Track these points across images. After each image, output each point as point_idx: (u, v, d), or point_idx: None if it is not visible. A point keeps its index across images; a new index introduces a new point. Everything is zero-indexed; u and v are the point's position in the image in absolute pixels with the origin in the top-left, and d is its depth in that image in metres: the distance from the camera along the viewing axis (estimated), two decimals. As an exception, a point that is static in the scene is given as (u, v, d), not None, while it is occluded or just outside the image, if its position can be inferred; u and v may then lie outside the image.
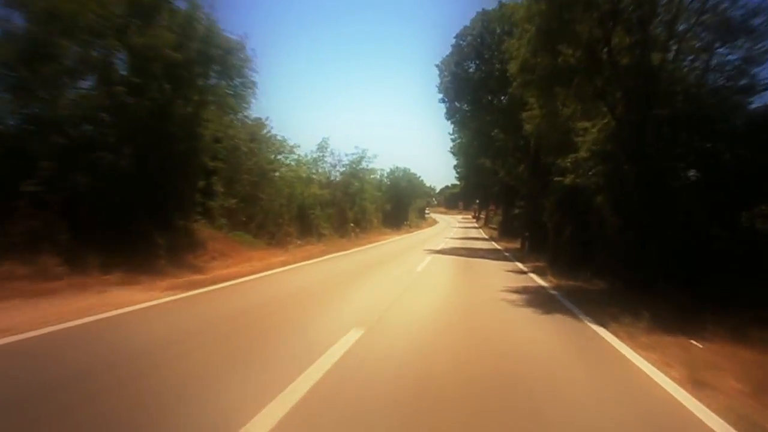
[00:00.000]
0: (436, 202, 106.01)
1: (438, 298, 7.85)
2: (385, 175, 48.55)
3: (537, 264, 14.63)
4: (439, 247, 20.98)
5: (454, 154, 35.63)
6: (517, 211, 37.33)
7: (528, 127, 15.41)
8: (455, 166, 53.04)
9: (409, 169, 49.59)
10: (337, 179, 29.65)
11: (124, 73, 10.02)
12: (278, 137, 22.37)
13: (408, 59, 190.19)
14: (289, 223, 22.20)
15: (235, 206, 17.46)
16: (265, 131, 21.85)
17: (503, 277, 11.34)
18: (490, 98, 20.63)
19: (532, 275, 11.87)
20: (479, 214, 76.79)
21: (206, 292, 7.40)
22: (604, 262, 11.62)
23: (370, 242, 22.81)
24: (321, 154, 25.92)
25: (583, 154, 11.32)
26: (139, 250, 9.09)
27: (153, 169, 10.16)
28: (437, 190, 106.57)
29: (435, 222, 67.73)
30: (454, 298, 7.98)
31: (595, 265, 12.12)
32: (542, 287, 9.91)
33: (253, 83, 11.51)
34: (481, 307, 7.31)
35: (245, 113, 12.98)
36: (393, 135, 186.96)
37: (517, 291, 9.02)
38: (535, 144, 21.07)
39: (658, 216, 8.98)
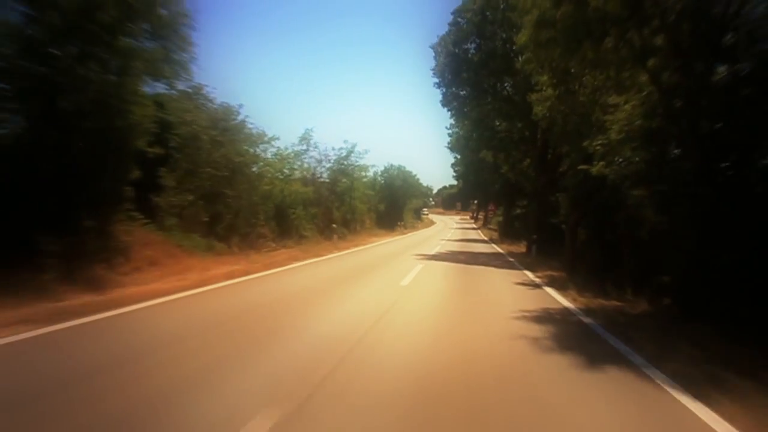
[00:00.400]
0: (433, 203, 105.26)
1: (423, 340, 5.19)
2: (379, 173, 46.17)
3: (551, 273, 12.13)
4: (433, 251, 18.47)
5: (451, 149, 33.10)
6: (518, 211, 34.89)
7: (538, 110, 12.95)
8: (453, 165, 50.63)
9: (405, 167, 47.06)
10: (323, 176, 27.14)
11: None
12: (253, 128, 19.78)
13: (408, 58, 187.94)
14: (265, 224, 19.74)
15: (193, 204, 14.94)
16: (237, 120, 19.27)
17: (514, 295, 8.83)
18: (492, 82, 18.13)
19: (549, 290, 9.37)
20: (477, 214, 74.49)
21: (69, 328, 4.85)
22: (641, 273, 9.13)
23: (356, 245, 20.27)
24: (304, 147, 23.33)
25: (614, 135, 8.81)
26: (14, 261, 6.55)
27: (48, 151, 7.64)
28: (435, 191, 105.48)
29: (432, 223, 65.26)
30: (448, 338, 5.34)
31: (627, 275, 9.65)
32: (568, 310, 7.39)
33: (190, 44, 8.95)
34: (489, 357, 4.65)
35: (183, 83, 10.26)
36: (391, 136, 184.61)
37: (536, 318, 6.49)
38: (544, 133, 18.59)
39: (732, 218, 6.48)
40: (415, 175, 49.36)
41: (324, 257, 14.12)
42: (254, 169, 21.50)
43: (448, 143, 32.15)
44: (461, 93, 18.31)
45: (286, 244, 18.68)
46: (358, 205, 31.45)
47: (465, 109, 19.35)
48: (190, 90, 17.38)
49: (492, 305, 7.65)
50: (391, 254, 16.62)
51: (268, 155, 23.06)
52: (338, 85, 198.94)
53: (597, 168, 9.33)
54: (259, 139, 22.00)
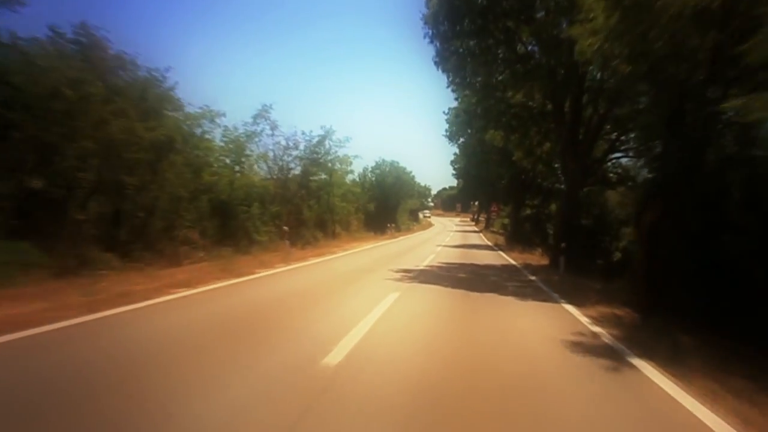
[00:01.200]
0: (432, 204, 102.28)
1: None
2: (369, 169, 41.22)
3: (610, 310, 7.15)
4: (424, 263, 13.47)
5: (450, 137, 27.97)
6: (528, 211, 29.90)
7: (585, 46, 8.06)
8: (452, 162, 45.77)
9: (398, 163, 42.03)
10: (295, 167, 22.12)
11: None
12: (179, 98, 14.72)
13: (406, 55, 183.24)
14: (194, 226, 14.77)
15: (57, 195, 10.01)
16: (160, 89, 14.27)
17: (589, 396, 3.77)
18: (503, 29, 13.15)
19: (648, 368, 4.32)
20: (478, 216, 69.53)
21: None
22: None
23: (320, 254, 15.25)
24: (258, 127, 18.24)
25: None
26: None
27: None
28: (434, 192, 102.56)
29: (430, 225, 60.27)
30: None
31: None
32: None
33: None
34: None
35: None
36: (389, 136, 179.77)
37: None
38: (575, 103, 13.61)
39: None
40: (410, 172, 44.35)
41: (246, 278, 9.09)
42: (196, 154, 16.66)
43: (446, 130, 27.18)
44: (461, 49, 13.30)
45: (221, 252, 13.73)
46: (338, 204, 26.45)
47: (466, 72, 14.36)
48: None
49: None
50: (360, 270, 11.60)
51: (217, 140, 18.27)
52: (338, 84, 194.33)
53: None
54: (203, 116, 17.24)
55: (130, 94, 12.91)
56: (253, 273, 9.76)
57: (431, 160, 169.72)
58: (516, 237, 26.12)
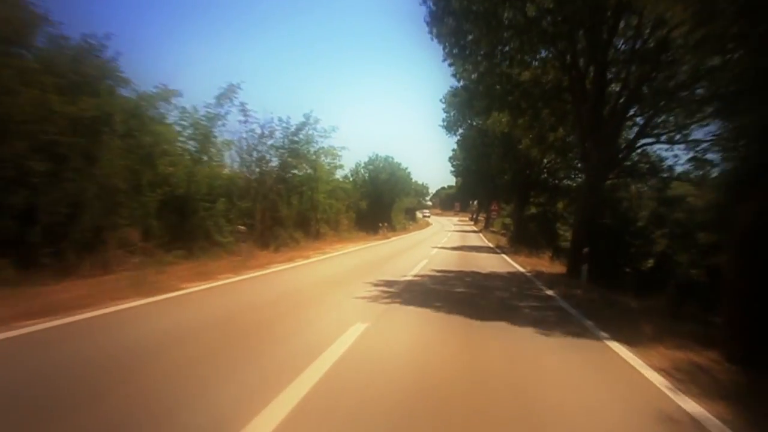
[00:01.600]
0: (431, 204, 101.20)
1: None
2: (362, 165, 38.66)
3: (698, 360, 4.59)
4: (412, 273, 10.92)
5: (447, 128, 25.34)
6: (533, 210, 27.36)
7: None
8: (450, 158, 43.33)
9: (392, 158, 39.43)
10: (272, 159, 19.53)
11: None
12: (121, 71, 12.16)
13: (405, 56, 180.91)
14: (137, 225, 12.25)
15: None
16: (97, 60, 11.73)
17: None
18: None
19: None
20: (477, 215, 67.12)
21: None
22: None
23: (291, 259, 12.70)
24: (223, 110, 15.57)
25: None
26: None
27: None
28: (433, 192, 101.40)
29: (427, 224, 57.73)
30: None
31: None
32: None
33: None
34: None
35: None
36: (387, 136, 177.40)
37: None
38: (600, 77, 11.09)
39: None
40: (406, 168, 41.73)
41: (157, 297, 6.53)
42: (146, 140, 14.09)
43: (443, 120, 24.62)
44: (459, 3, 10.76)
45: (166, 258, 11.23)
46: (323, 201, 23.89)
47: (466, 42, 11.83)
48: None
49: None
50: (329, 283, 9.07)
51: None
52: (337, 84, 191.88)
53: None
54: (159, 96, 14.73)
55: (57, 62, 10.45)
56: (177, 289, 7.23)
57: (430, 159, 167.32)
58: (520, 238, 23.58)
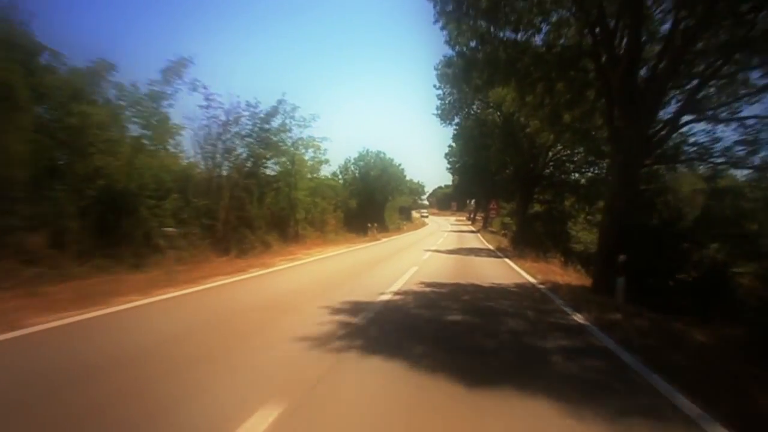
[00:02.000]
0: (428, 203, 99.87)
1: None
2: (352, 161, 36.10)
3: None
4: (392, 289, 8.27)
5: (442, 117, 22.70)
6: (538, 207, 24.82)
7: None
8: (447, 155, 40.75)
9: (384, 154, 36.83)
10: (240, 150, 16.92)
11: None
12: (33, 36, 9.59)
13: (404, 51, 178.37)
14: (50, 226, 9.73)
15: None
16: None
17: None
18: None
19: None
20: (475, 215, 64.58)
21: None
22: None
23: (242, 270, 10.10)
24: (171, 88, 12.89)
25: None
26: None
27: None
28: (429, 191, 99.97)
29: (423, 224, 55.15)
30: None
31: None
32: None
33: None
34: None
35: None
36: (387, 136, 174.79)
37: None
38: (632, 38, 8.54)
39: None
40: (399, 165, 39.14)
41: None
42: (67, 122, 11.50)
43: (437, 107, 22.01)
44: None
45: (71, 270, 8.69)
46: (303, 199, 21.28)
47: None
48: None
49: None
50: (270, 308, 6.46)
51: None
52: (336, 83, 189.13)
53: None
54: (92, 71, 12.28)
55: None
56: (30, 325, 4.65)
57: (426, 159, 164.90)
58: (523, 239, 21.03)
